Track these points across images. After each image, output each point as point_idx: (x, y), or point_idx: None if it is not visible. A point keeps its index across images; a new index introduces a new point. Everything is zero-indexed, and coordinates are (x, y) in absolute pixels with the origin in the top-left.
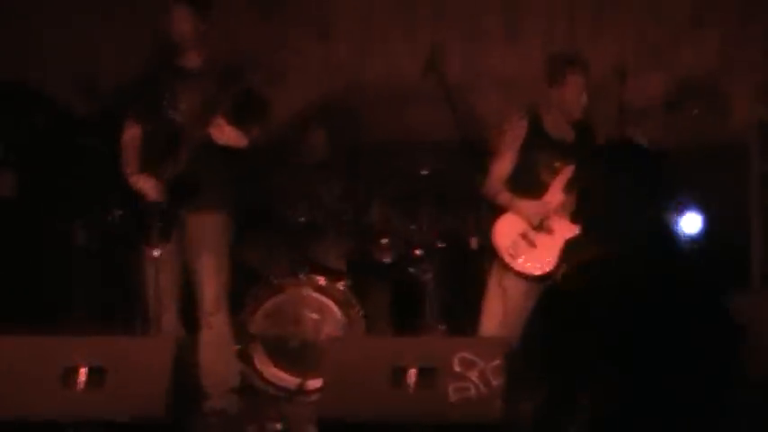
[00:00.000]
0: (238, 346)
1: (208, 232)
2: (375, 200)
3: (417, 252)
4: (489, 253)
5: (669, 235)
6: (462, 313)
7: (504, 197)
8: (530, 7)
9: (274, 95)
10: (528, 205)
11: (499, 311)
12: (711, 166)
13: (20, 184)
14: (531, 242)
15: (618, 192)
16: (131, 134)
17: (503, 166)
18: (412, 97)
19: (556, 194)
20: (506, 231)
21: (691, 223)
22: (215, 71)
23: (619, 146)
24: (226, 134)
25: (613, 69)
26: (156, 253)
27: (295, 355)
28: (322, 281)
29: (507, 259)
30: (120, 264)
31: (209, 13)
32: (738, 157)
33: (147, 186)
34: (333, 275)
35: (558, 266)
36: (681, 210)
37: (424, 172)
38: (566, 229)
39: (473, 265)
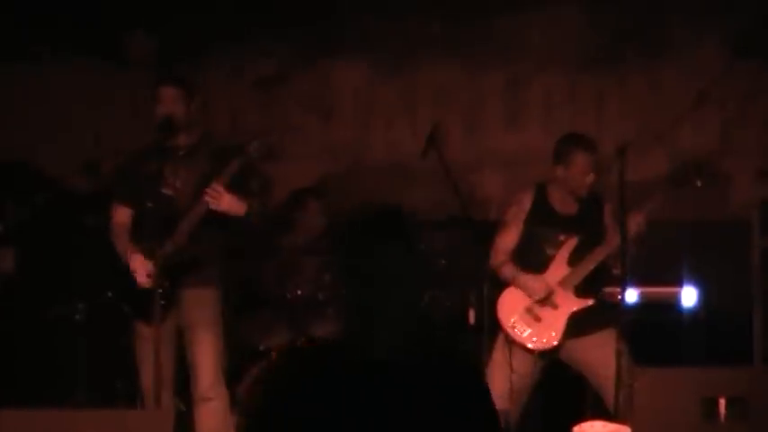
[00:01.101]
0: (235, 420)
1: (204, 307)
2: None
3: None
4: (493, 327)
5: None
6: None
7: (508, 270)
8: (530, 87)
9: (274, 173)
10: (529, 279)
11: (505, 386)
12: (713, 241)
13: (20, 261)
14: (537, 316)
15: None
16: (120, 217)
17: (508, 238)
18: (412, 177)
19: (559, 268)
20: (510, 306)
21: (687, 297)
22: (211, 149)
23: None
24: (224, 201)
25: (615, 149)
26: (150, 332)
27: None
28: None
29: (512, 334)
30: (119, 340)
31: (195, 92)
32: (740, 234)
33: (141, 271)
34: None
35: (562, 341)
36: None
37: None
38: (571, 303)
39: (471, 338)
